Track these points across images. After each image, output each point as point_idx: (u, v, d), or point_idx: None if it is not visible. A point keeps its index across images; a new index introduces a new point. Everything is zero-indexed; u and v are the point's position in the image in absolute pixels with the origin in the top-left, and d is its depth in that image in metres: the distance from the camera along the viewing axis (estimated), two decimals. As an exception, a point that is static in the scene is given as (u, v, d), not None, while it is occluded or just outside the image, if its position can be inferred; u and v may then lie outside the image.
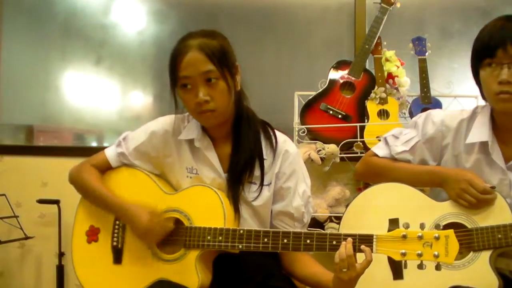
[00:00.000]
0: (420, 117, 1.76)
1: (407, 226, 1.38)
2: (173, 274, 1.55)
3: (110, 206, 1.65)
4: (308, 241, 1.48)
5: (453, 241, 1.33)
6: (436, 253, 1.33)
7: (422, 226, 1.37)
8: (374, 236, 1.42)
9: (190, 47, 1.54)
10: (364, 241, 1.42)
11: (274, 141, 1.66)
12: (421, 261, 1.35)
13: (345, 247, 1.40)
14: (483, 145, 1.64)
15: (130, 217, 1.60)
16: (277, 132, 1.70)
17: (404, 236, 1.37)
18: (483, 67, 1.59)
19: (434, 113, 1.74)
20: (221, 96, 1.56)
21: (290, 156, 1.66)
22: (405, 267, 1.40)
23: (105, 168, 1.75)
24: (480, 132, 1.64)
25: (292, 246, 1.49)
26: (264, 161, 1.64)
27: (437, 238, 1.33)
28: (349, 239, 1.41)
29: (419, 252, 1.34)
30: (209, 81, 1.54)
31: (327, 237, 1.46)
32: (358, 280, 1.41)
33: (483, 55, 1.58)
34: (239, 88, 1.63)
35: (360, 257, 1.41)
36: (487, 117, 1.66)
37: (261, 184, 1.62)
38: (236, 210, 1.60)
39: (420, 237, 1.35)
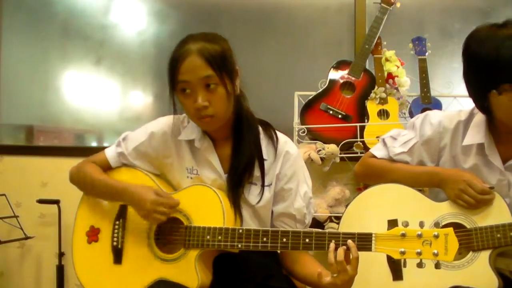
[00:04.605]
0: (418, 119, 1.76)
1: (406, 224, 1.37)
2: (173, 274, 1.55)
3: (114, 191, 1.65)
4: (307, 240, 1.47)
5: (453, 240, 1.32)
6: (435, 251, 1.32)
7: (421, 225, 1.36)
8: (373, 235, 1.41)
9: (190, 52, 1.52)
10: (363, 239, 1.42)
11: (275, 140, 1.66)
12: (421, 260, 1.34)
13: (333, 253, 1.40)
14: (481, 146, 1.64)
15: (135, 199, 1.59)
16: (278, 133, 1.70)
17: (403, 235, 1.36)
18: (503, 92, 1.50)
19: (432, 114, 1.74)
20: (220, 102, 1.55)
21: (291, 157, 1.66)
22: (405, 266, 1.39)
23: (105, 168, 1.75)
24: (476, 134, 1.64)
25: (291, 245, 1.48)
26: (265, 161, 1.63)
27: (437, 237, 1.32)
28: (340, 249, 1.40)
29: (419, 250, 1.33)
30: (208, 86, 1.52)
31: (326, 236, 1.46)
32: (353, 282, 1.41)
33: (503, 79, 1.48)
34: (239, 92, 1.61)
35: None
36: (484, 118, 1.65)
37: (263, 185, 1.62)
38: (237, 211, 1.60)
39: (420, 236, 1.34)
